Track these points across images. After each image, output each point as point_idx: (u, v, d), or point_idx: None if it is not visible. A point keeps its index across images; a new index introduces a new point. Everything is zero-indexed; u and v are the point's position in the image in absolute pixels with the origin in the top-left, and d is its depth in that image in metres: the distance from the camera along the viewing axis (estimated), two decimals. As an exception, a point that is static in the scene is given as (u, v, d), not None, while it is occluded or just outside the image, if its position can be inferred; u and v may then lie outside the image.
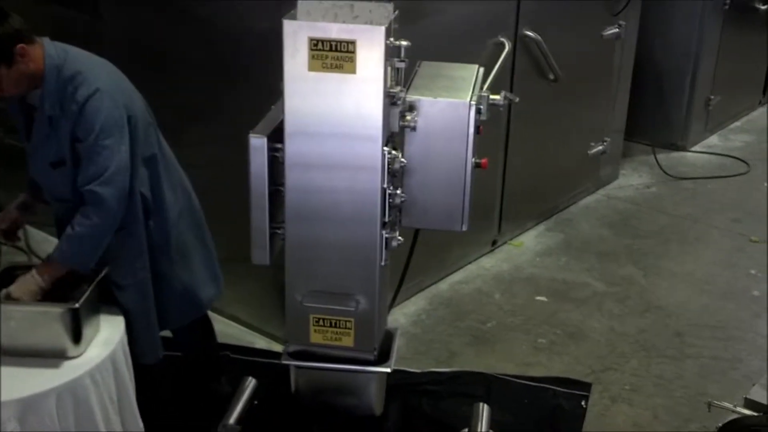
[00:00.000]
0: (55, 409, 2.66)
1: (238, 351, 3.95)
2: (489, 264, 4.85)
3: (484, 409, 3.42)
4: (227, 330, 4.09)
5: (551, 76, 4.81)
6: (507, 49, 4.38)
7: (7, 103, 2.96)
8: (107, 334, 2.93)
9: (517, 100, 3.86)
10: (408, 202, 3.05)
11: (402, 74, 2.93)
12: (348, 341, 3.13)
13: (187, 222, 3.19)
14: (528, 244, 5.09)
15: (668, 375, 3.98)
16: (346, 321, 3.10)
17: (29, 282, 2.85)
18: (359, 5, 2.82)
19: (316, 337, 3.14)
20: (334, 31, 2.71)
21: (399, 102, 2.91)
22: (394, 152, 2.91)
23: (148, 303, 3.09)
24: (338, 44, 2.72)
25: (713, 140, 6.62)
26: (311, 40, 2.72)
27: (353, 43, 2.71)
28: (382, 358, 3.23)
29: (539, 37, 4.63)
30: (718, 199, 5.71)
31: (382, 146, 2.86)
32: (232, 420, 3.30)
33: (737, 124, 6.92)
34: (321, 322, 3.11)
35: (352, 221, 2.96)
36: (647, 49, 5.91)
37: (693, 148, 6.43)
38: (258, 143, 2.87)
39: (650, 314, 4.45)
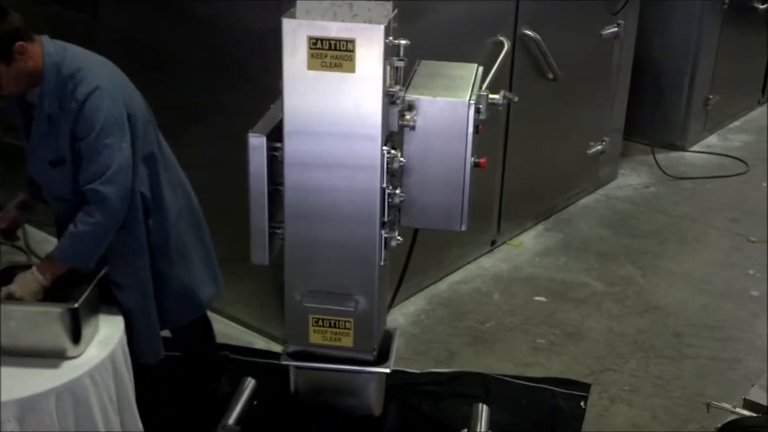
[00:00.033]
0: (55, 409, 2.66)
1: (237, 351, 3.94)
2: (488, 264, 4.85)
3: (483, 410, 3.42)
4: (226, 330, 4.09)
5: (550, 76, 4.81)
6: (506, 48, 4.38)
7: (6, 101, 2.95)
8: (107, 334, 2.93)
9: (516, 99, 3.86)
10: (407, 201, 3.05)
11: (401, 73, 2.93)
12: (347, 341, 3.13)
13: (187, 221, 3.18)
14: (527, 244, 5.09)
15: (667, 375, 3.98)
16: (345, 321, 3.09)
17: (30, 280, 2.84)
18: (358, 4, 2.81)
19: (315, 338, 3.13)
20: (334, 29, 2.71)
21: (398, 101, 2.90)
22: (393, 151, 2.91)
23: (149, 302, 3.09)
24: (337, 43, 2.71)
25: (712, 140, 6.62)
26: (310, 38, 2.71)
27: (352, 42, 2.71)
28: (382, 359, 3.22)
29: (538, 37, 4.63)
30: (716, 199, 5.71)
31: (381, 145, 2.85)
32: (231, 420, 3.30)
33: (736, 123, 6.93)
34: (320, 323, 3.10)
35: (352, 221, 2.96)
36: (646, 49, 5.91)
37: (692, 148, 6.43)
38: (257, 142, 2.87)
39: (649, 314, 4.45)
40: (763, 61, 7.03)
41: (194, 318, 3.31)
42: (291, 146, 2.88)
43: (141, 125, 2.93)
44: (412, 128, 2.98)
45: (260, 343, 4.08)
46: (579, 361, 4.07)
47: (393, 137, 2.99)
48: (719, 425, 2.93)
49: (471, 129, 2.99)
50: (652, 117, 6.30)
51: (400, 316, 4.29)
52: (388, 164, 2.89)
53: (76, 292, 2.85)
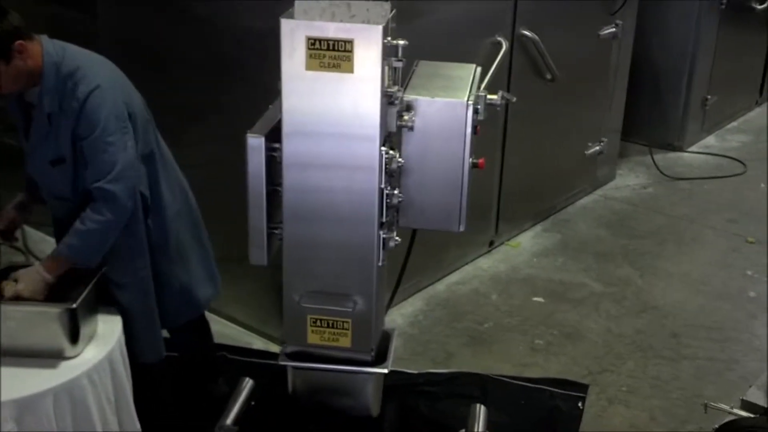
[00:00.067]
0: (53, 410, 2.66)
1: (235, 351, 3.94)
2: (486, 265, 4.85)
3: (481, 410, 3.42)
4: (225, 330, 4.09)
5: (548, 76, 4.81)
6: (504, 48, 4.38)
7: (5, 101, 2.95)
8: (105, 335, 2.93)
9: (515, 99, 3.85)
10: (405, 202, 3.04)
11: (399, 74, 2.92)
12: (345, 342, 3.12)
13: (185, 221, 3.18)
14: (525, 244, 5.09)
15: (665, 376, 3.98)
16: (343, 322, 3.09)
17: (36, 278, 2.84)
18: (356, 4, 2.81)
19: (313, 338, 3.13)
20: (332, 30, 2.71)
21: (396, 101, 2.90)
22: (391, 152, 2.91)
23: (150, 301, 3.09)
24: (336, 43, 2.71)
25: (710, 140, 6.62)
26: (309, 39, 2.71)
27: (351, 42, 2.70)
28: (379, 359, 3.22)
29: (536, 37, 4.63)
30: (714, 200, 5.72)
31: (380, 146, 2.85)
32: (229, 420, 3.29)
33: (734, 124, 6.93)
34: (318, 323, 3.10)
35: (350, 221, 2.95)
36: (644, 49, 5.92)
37: (690, 149, 6.44)
38: (255, 143, 2.86)
39: (647, 315, 4.45)
40: (761, 62, 7.04)
41: (192, 318, 3.31)
42: (289, 147, 2.88)
43: (141, 124, 2.93)
44: (411, 129, 2.97)
45: (258, 343, 4.08)
46: (577, 361, 4.07)
47: (391, 138, 2.98)
48: (717, 426, 2.93)
49: (469, 129, 2.99)
50: (650, 117, 6.31)
51: (398, 317, 4.29)
52: (386, 165, 2.89)
53: (74, 292, 2.85)
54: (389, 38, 2.79)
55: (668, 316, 4.44)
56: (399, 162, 2.96)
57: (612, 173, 5.89)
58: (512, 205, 4.98)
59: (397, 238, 3.06)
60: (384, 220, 2.97)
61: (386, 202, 2.94)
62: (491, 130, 4.52)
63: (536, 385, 3.86)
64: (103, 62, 2.93)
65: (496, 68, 4.12)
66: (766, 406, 3.00)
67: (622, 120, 5.77)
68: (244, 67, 3.70)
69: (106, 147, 2.80)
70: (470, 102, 2.97)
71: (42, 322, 2.79)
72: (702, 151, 6.44)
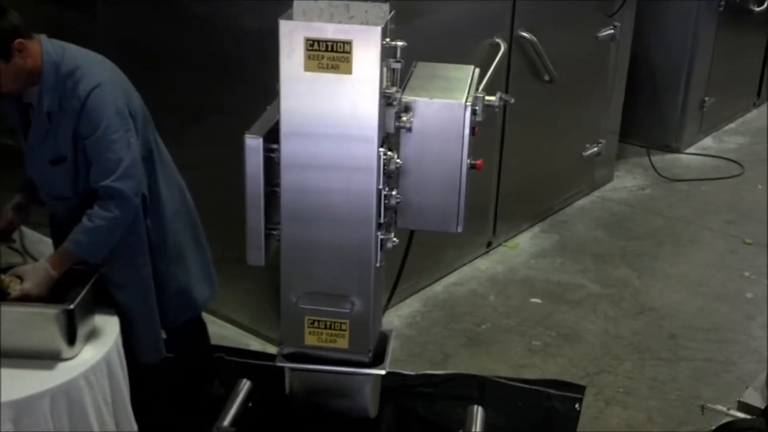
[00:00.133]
0: (50, 411, 2.65)
1: (232, 353, 3.94)
2: (484, 266, 4.85)
3: (479, 412, 3.42)
4: (222, 331, 4.08)
5: (546, 78, 4.81)
6: (502, 49, 4.38)
7: (3, 101, 2.95)
8: (102, 336, 2.92)
9: (513, 101, 3.87)
10: (403, 203, 3.04)
11: (398, 75, 2.93)
12: (343, 343, 3.12)
13: (183, 222, 3.18)
14: (523, 245, 5.09)
15: (662, 377, 3.98)
16: (340, 323, 3.09)
17: (42, 275, 2.84)
18: (355, 5, 2.81)
19: (310, 339, 3.13)
20: (330, 31, 2.71)
21: (395, 103, 2.90)
22: (389, 153, 2.91)
23: (150, 301, 3.09)
24: (334, 44, 2.71)
25: (707, 142, 6.63)
26: (307, 40, 2.71)
27: (349, 43, 2.70)
28: (377, 360, 3.22)
29: (534, 38, 4.63)
30: (712, 201, 5.72)
31: (378, 147, 2.85)
32: (226, 422, 3.29)
33: (731, 126, 6.94)
34: (316, 324, 3.10)
35: (348, 222, 2.95)
36: (642, 51, 5.92)
37: (687, 150, 6.44)
38: (253, 144, 2.86)
39: (644, 316, 4.46)
40: (759, 63, 7.05)
41: (189, 318, 3.31)
42: (287, 148, 2.88)
43: (140, 123, 2.94)
44: (409, 130, 2.97)
45: (255, 344, 4.08)
46: (574, 362, 4.07)
47: (389, 139, 2.98)
48: (714, 427, 2.93)
49: (467, 131, 2.99)
50: (648, 119, 6.31)
51: (395, 318, 4.29)
52: (384, 166, 2.89)
53: (72, 293, 2.84)
54: (388, 39, 2.79)
55: (666, 318, 4.45)
56: (397, 163, 2.96)
57: (610, 174, 5.89)
58: (510, 206, 4.98)
59: (394, 239, 3.06)
60: (382, 221, 2.97)
61: (384, 203, 2.94)
62: (489, 131, 4.52)
63: (533, 387, 3.86)
64: (102, 61, 2.93)
65: (494, 69, 4.13)
66: (762, 407, 3.00)
67: (620, 121, 5.77)
68: (243, 67, 3.70)
69: (110, 145, 2.81)
70: (468, 103, 2.97)
71: (39, 323, 2.78)
72: (699, 152, 6.45)
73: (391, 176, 2.96)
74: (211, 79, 3.85)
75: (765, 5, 6.44)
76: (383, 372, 3.21)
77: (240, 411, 3.37)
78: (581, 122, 5.41)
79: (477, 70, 3.23)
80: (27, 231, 4.00)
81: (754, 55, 6.95)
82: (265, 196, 2.94)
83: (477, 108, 2.99)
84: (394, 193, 2.98)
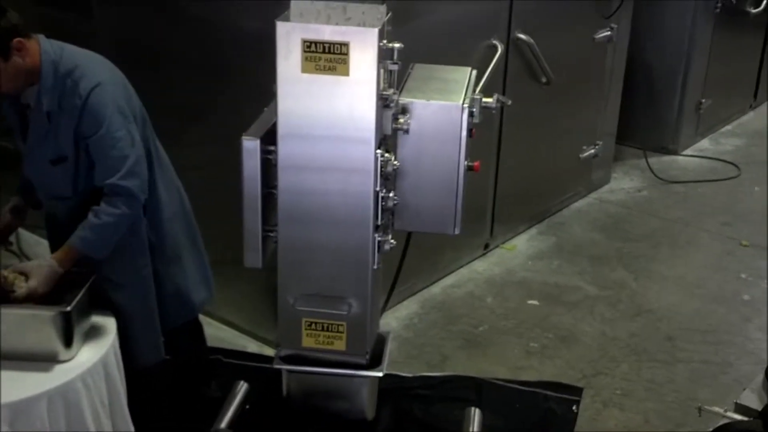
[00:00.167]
0: (46, 413, 2.65)
1: (229, 355, 3.93)
2: (481, 267, 4.85)
3: (476, 414, 3.42)
4: (219, 334, 4.08)
5: (543, 79, 4.81)
6: (500, 51, 4.38)
7: (2, 102, 2.94)
8: (99, 338, 2.92)
9: (510, 102, 3.85)
10: (401, 205, 3.04)
11: (395, 76, 2.93)
12: (340, 345, 3.12)
13: (180, 223, 3.18)
14: (520, 247, 5.09)
15: (659, 379, 3.99)
16: (338, 325, 3.09)
17: (48, 272, 2.84)
18: (352, 7, 2.81)
19: (308, 341, 3.12)
20: (327, 33, 2.71)
21: (392, 104, 2.90)
22: (386, 155, 2.91)
23: (150, 301, 3.09)
24: (331, 46, 2.71)
25: (704, 144, 6.63)
26: (304, 41, 2.71)
27: (346, 45, 2.70)
28: (374, 362, 3.22)
29: (531, 40, 4.63)
30: (708, 203, 5.73)
31: (375, 149, 2.85)
32: (223, 424, 3.29)
33: (728, 127, 6.95)
34: (313, 326, 3.09)
35: (345, 224, 2.95)
36: (639, 53, 5.93)
37: (684, 152, 6.45)
38: (251, 145, 2.86)
39: (641, 318, 4.46)
40: (755, 66, 7.06)
41: (186, 320, 3.30)
42: (285, 149, 2.87)
43: (139, 124, 2.94)
44: (406, 131, 2.98)
45: (253, 346, 4.08)
46: (572, 364, 4.07)
47: (387, 140, 2.98)
48: (711, 429, 2.93)
49: (464, 132, 2.99)
50: (645, 121, 6.32)
51: (393, 320, 4.29)
52: (381, 167, 2.89)
53: (69, 295, 2.84)
54: (385, 41, 2.79)
55: (663, 320, 4.45)
56: (394, 165, 2.96)
57: (607, 176, 5.90)
58: (507, 208, 4.98)
59: (392, 241, 3.06)
60: (379, 223, 2.97)
61: (381, 205, 2.94)
62: (486, 133, 4.52)
63: (531, 389, 3.86)
64: (101, 61, 2.94)
65: (491, 71, 4.13)
66: (759, 409, 3.00)
67: (617, 123, 5.77)
68: (241, 68, 3.70)
69: (114, 143, 2.81)
70: (465, 105, 2.97)
71: (36, 326, 2.78)
72: (696, 154, 6.45)
73: (388, 178, 2.96)
74: (209, 80, 3.84)
75: (761, 7, 6.45)
76: (380, 374, 3.21)
77: (237, 413, 3.37)
78: (578, 124, 5.41)
79: (474, 72, 3.24)
80: (24, 233, 4.00)
81: (750, 57, 6.96)
82: (262, 197, 2.93)
83: (474, 110, 2.99)
84: (391, 194, 2.97)
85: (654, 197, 5.80)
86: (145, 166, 2.91)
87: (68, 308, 2.76)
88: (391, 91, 2.89)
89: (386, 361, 3.25)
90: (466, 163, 3.03)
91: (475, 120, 3.02)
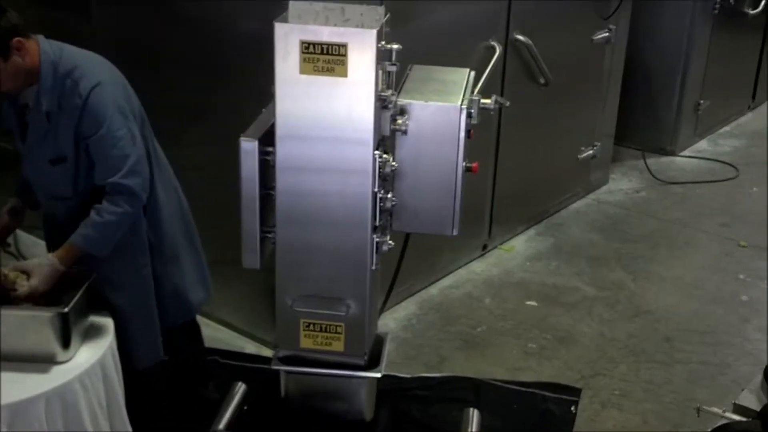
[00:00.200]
0: (44, 414, 2.64)
1: (227, 356, 3.93)
2: (479, 268, 4.85)
3: (474, 414, 3.42)
4: (217, 334, 4.08)
5: (542, 80, 4.81)
6: (498, 52, 4.38)
7: (2, 102, 2.94)
8: (97, 339, 2.92)
9: (508, 104, 3.86)
10: (399, 206, 3.04)
11: (393, 78, 2.93)
12: (338, 346, 3.12)
13: (179, 223, 3.19)
14: (518, 248, 5.09)
15: (658, 380, 3.99)
16: (336, 326, 3.09)
17: (49, 270, 2.84)
18: (350, 8, 2.81)
19: (306, 342, 3.12)
20: (326, 34, 2.71)
21: (390, 105, 2.90)
22: (385, 156, 2.91)
23: (150, 301, 3.09)
24: (329, 47, 2.71)
25: (702, 145, 6.64)
26: (302, 43, 2.71)
27: (344, 46, 2.70)
28: (373, 363, 3.21)
29: (530, 41, 4.63)
30: (707, 204, 5.73)
31: (373, 150, 2.85)
32: (221, 425, 3.29)
33: (726, 128, 6.95)
34: (311, 327, 3.09)
35: (343, 225, 2.95)
36: (637, 54, 5.93)
37: (682, 153, 6.45)
38: (249, 147, 2.86)
39: (639, 319, 4.46)
40: (754, 67, 7.06)
41: (184, 321, 3.30)
42: (283, 150, 2.87)
43: (138, 123, 2.94)
44: (404, 133, 2.98)
45: (251, 347, 4.07)
46: (570, 365, 4.07)
47: (385, 142, 2.98)
48: (710, 430, 2.93)
49: (463, 133, 2.99)
50: (643, 122, 6.32)
51: (391, 321, 4.29)
52: (379, 169, 2.89)
53: (66, 296, 2.84)
54: (383, 42, 2.79)
55: (661, 320, 4.45)
56: (393, 166, 2.96)
57: (605, 177, 5.90)
58: (506, 208, 4.98)
59: (390, 241, 3.06)
60: (377, 223, 2.97)
61: (380, 206, 2.94)
62: (485, 134, 4.52)
63: (529, 389, 3.86)
64: (101, 61, 2.94)
65: (489, 72, 4.13)
66: (758, 409, 3.00)
67: (615, 124, 5.77)
68: (240, 68, 3.69)
69: (115, 142, 2.82)
70: (464, 106, 2.97)
71: (33, 327, 2.77)
72: (695, 155, 6.46)
73: (386, 179, 2.96)
74: (208, 80, 3.84)
75: (759, 8, 6.45)
76: (379, 375, 3.21)
77: (235, 414, 3.37)
78: (576, 125, 5.42)
79: (472, 73, 3.24)
80: (21, 234, 4.00)
81: (748, 58, 6.96)
82: (261, 198, 2.93)
83: (472, 111, 2.99)
84: (389, 196, 2.98)
85: (652, 198, 5.80)
86: (146, 165, 2.92)
87: (66, 309, 2.76)
88: (390, 92, 2.89)
89: (384, 361, 3.25)
90: (464, 164, 3.03)
91: (474, 121, 3.02)
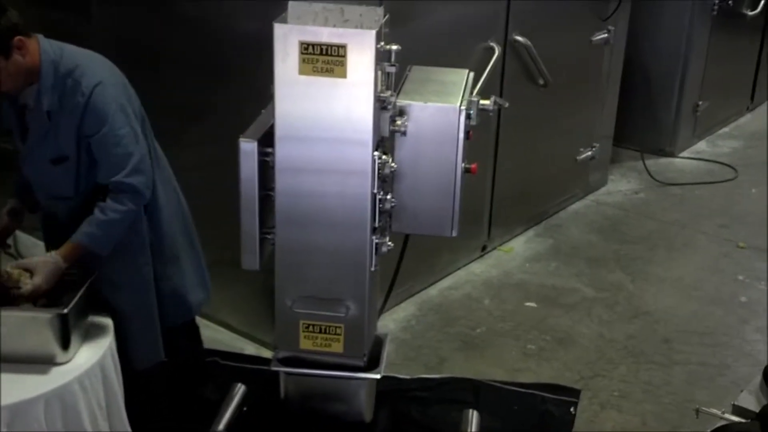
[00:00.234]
0: (44, 415, 2.65)
1: (227, 357, 3.93)
2: (478, 269, 4.85)
3: (474, 416, 3.42)
4: (216, 336, 4.08)
5: (541, 81, 4.82)
6: (497, 53, 4.39)
7: (2, 102, 2.94)
8: (96, 340, 2.92)
9: (507, 105, 3.85)
10: (398, 207, 3.04)
11: (392, 78, 2.93)
12: (338, 347, 3.12)
13: (178, 224, 3.19)
14: (517, 249, 5.09)
15: (657, 381, 3.99)
16: (335, 327, 3.08)
17: (52, 268, 2.84)
18: (349, 9, 2.81)
19: (305, 343, 3.12)
20: (325, 35, 2.70)
21: (389, 106, 2.90)
22: (384, 157, 2.90)
23: (151, 300, 3.09)
24: (329, 48, 2.71)
25: (701, 146, 6.64)
26: (302, 43, 2.71)
27: (344, 47, 2.70)
28: (372, 365, 3.21)
29: (529, 42, 4.63)
30: (705, 205, 5.73)
31: (373, 151, 2.85)
32: (221, 426, 3.29)
33: (725, 130, 6.95)
34: (310, 328, 3.09)
35: (343, 226, 2.95)
36: (636, 55, 5.93)
37: (681, 154, 6.45)
38: (248, 147, 2.86)
39: (638, 320, 4.46)
40: (752, 68, 7.07)
41: (183, 322, 3.30)
42: (282, 151, 2.87)
43: (139, 122, 2.94)
44: (403, 134, 2.97)
45: (250, 348, 4.07)
46: (569, 366, 4.07)
47: (384, 142, 2.98)
48: (709, 431, 2.93)
49: (462, 134, 2.99)
50: (642, 123, 6.32)
51: (390, 322, 4.29)
52: (379, 170, 2.88)
53: (66, 297, 2.83)
54: (382, 43, 2.79)
55: (660, 322, 4.45)
56: (392, 167, 2.95)
57: (604, 178, 5.90)
58: (505, 210, 4.98)
59: (389, 243, 3.06)
60: (377, 225, 2.97)
61: (379, 207, 2.94)
62: (484, 135, 4.52)
63: (528, 390, 3.86)
64: (102, 60, 2.95)
65: (488, 73, 4.13)
66: (757, 410, 3.00)
67: (614, 125, 5.78)
68: (240, 69, 3.69)
69: (119, 140, 2.82)
70: (463, 107, 2.97)
71: (33, 328, 2.77)
72: (693, 156, 6.46)
73: (385, 180, 2.96)
74: (207, 81, 3.84)
75: (758, 9, 6.46)
76: (378, 376, 3.21)
77: (235, 415, 3.36)
78: (575, 126, 5.42)
79: (471, 74, 3.24)
80: (21, 235, 3.99)
81: (747, 59, 6.96)
82: (260, 199, 2.93)
83: (471, 112, 2.99)
84: (388, 197, 2.97)
85: (651, 199, 5.80)
86: (149, 163, 2.93)
87: (65, 310, 2.76)
88: (389, 93, 2.89)
89: (384, 363, 3.25)
90: (463, 165, 3.03)
91: (473, 122, 3.02)
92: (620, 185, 5.96)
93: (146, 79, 3.22)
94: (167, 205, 3.11)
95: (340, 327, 3.08)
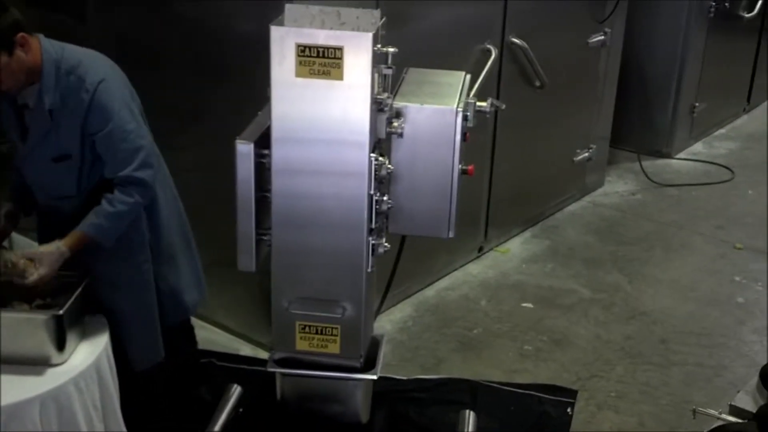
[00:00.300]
0: (39, 417, 2.64)
1: (223, 358, 3.93)
2: (475, 271, 4.86)
3: (471, 417, 3.42)
4: (212, 337, 4.08)
5: (537, 83, 4.82)
6: (493, 55, 4.39)
7: (2, 102, 2.94)
8: (92, 341, 2.92)
9: (504, 107, 3.86)
10: (395, 208, 3.04)
11: (389, 81, 2.93)
12: (334, 348, 3.12)
13: (175, 224, 3.19)
14: (514, 250, 5.09)
15: (654, 382, 3.99)
16: (332, 328, 3.08)
17: (58, 258, 2.84)
18: (346, 11, 2.82)
19: (302, 344, 3.12)
20: (322, 37, 2.71)
21: (386, 108, 2.90)
22: (381, 158, 2.91)
23: (150, 299, 3.09)
24: (325, 50, 2.71)
25: (698, 147, 6.65)
26: (298, 46, 2.71)
27: (340, 49, 2.70)
28: (369, 366, 3.21)
29: (525, 44, 4.64)
30: (702, 206, 5.74)
31: (369, 152, 2.85)
32: (216, 428, 3.29)
33: (722, 131, 6.96)
34: (307, 329, 3.09)
35: (339, 227, 2.95)
36: (633, 57, 5.94)
37: (678, 156, 6.47)
38: (244, 149, 2.86)
39: (636, 321, 4.46)
40: (749, 69, 7.08)
41: (178, 322, 3.30)
42: (279, 153, 2.87)
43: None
44: (400, 135, 2.98)
45: (246, 349, 4.07)
46: (566, 367, 4.07)
47: (381, 144, 2.98)
48: (706, 431, 2.94)
49: (458, 136, 2.99)
50: (639, 124, 6.33)
51: (387, 323, 4.29)
52: (375, 171, 2.89)
53: (61, 298, 2.83)
54: (379, 45, 2.79)
55: (657, 322, 4.45)
56: (388, 168, 2.96)
57: (601, 180, 5.91)
58: (501, 211, 4.99)
59: (386, 244, 3.06)
60: (373, 226, 2.97)
61: (375, 209, 2.94)
62: (480, 136, 4.52)
63: (526, 391, 3.86)
64: (102, 58, 2.95)
65: (485, 75, 4.13)
66: (754, 411, 3.00)
67: (611, 127, 5.78)
68: (237, 70, 3.70)
69: (126, 135, 2.84)
70: (459, 109, 2.97)
71: (28, 329, 2.77)
72: (690, 157, 6.47)
73: (382, 181, 2.96)
74: (205, 82, 3.84)
75: (755, 11, 6.47)
76: (375, 377, 3.21)
77: (230, 417, 3.36)
78: (572, 128, 5.42)
79: (468, 76, 3.24)
80: (17, 237, 3.99)
81: (744, 60, 6.98)
82: (256, 201, 2.93)
83: (468, 114, 2.99)
84: (385, 198, 2.98)
85: (648, 200, 5.81)
86: (154, 157, 2.95)
87: (61, 312, 2.76)
88: (386, 95, 2.89)
89: (380, 364, 3.25)
90: (460, 166, 3.03)
91: (469, 124, 3.02)
92: (617, 186, 5.97)
93: (144, 80, 3.22)
94: (165, 206, 3.12)
95: (336, 328, 3.09)
